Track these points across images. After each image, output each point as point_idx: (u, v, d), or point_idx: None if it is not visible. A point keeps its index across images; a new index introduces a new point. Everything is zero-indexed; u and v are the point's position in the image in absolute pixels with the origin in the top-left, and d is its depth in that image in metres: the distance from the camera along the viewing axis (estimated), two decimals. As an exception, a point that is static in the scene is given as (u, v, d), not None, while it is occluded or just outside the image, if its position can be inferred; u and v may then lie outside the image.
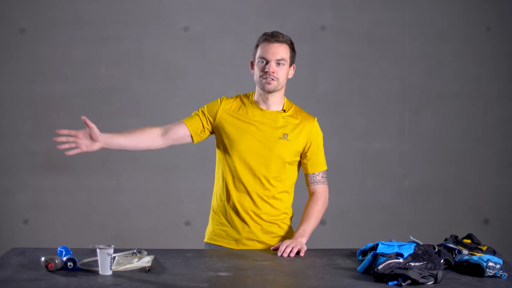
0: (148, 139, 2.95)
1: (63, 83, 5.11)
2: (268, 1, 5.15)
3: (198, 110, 3.02)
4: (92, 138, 2.83)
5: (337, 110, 5.19)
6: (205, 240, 3.08)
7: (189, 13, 5.13)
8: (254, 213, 2.96)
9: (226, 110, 2.98)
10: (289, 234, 3.04)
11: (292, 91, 5.05)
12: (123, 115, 5.12)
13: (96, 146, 2.84)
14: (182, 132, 2.98)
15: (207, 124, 2.99)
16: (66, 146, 2.80)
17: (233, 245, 2.99)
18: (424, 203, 5.24)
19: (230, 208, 2.98)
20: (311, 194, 3.03)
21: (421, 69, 5.21)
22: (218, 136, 2.99)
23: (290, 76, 2.98)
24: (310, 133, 2.98)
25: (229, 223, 2.99)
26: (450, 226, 5.10)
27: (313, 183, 3.02)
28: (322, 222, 5.04)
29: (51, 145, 5.05)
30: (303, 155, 3.00)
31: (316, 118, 3.03)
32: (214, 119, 2.98)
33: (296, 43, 5.09)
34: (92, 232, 5.12)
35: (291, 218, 3.08)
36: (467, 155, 5.25)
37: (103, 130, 5.15)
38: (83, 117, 2.80)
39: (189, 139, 3.00)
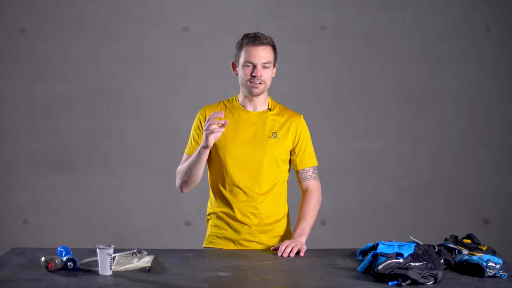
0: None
1: (63, 83, 5.11)
2: (268, 1, 5.15)
3: (191, 135, 3.02)
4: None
5: (337, 110, 5.19)
6: (204, 245, 3.07)
7: (189, 13, 5.13)
8: (253, 214, 2.96)
9: None
10: (288, 233, 3.05)
11: (292, 91, 5.08)
12: (123, 115, 5.12)
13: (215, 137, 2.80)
14: None
15: None
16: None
17: (231, 247, 2.99)
18: (424, 203, 5.24)
19: (228, 211, 2.98)
20: (304, 191, 3.03)
21: (421, 69, 5.21)
22: None
23: (273, 76, 2.99)
24: (297, 129, 3.01)
25: (228, 225, 2.99)
26: (450, 226, 5.10)
27: (304, 179, 3.02)
28: (322, 222, 5.05)
29: (51, 145, 5.12)
30: (292, 152, 3.02)
31: (302, 115, 3.05)
32: None
33: (296, 43, 5.16)
34: (92, 232, 5.12)
35: (287, 216, 3.08)
36: (467, 155, 5.25)
37: (103, 130, 5.18)
38: (226, 121, 2.76)
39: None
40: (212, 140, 2.80)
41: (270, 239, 3.00)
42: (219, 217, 3.01)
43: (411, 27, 5.18)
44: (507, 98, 5.24)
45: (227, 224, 2.99)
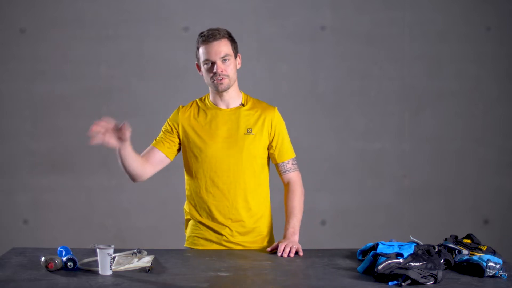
0: (143, 164, 2.94)
1: (63, 83, 5.11)
2: (268, 1, 5.15)
3: (162, 129, 3.01)
4: (119, 137, 2.79)
5: (337, 110, 5.19)
6: (185, 245, 3.03)
7: (189, 13, 5.13)
8: (234, 215, 2.93)
9: (186, 118, 2.98)
10: (270, 233, 3.03)
11: (292, 91, 5.08)
12: (123, 115, 5.11)
13: (114, 144, 2.81)
14: (158, 156, 2.97)
15: (175, 138, 2.98)
16: (98, 140, 2.78)
17: (214, 247, 2.95)
18: (424, 203, 5.24)
19: (206, 212, 2.94)
20: (286, 184, 3.01)
21: (421, 69, 5.21)
22: (185, 146, 2.97)
23: (238, 67, 2.96)
24: (272, 123, 2.97)
25: (208, 227, 2.95)
26: (450, 226, 5.10)
27: (285, 171, 3.00)
28: (322, 222, 5.05)
29: (51, 145, 5.13)
30: (269, 146, 2.98)
31: (276, 107, 3.02)
32: (179, 131, 2.97)
33: (296, 43, 5.16)
34: (92, 232, 5.12)
35: (270, 215, 3.05)
36: (467, 155, 5.25)
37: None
38: (125, 124, 2.78)
39: (167, 160, 2.99)
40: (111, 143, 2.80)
41: (253, 239, 2.97)
42: (199, 221, 2.96)
43: (411, 27, 5.18)
44: (507, 98, 5.24)
45: (207, 226, 2.95)
